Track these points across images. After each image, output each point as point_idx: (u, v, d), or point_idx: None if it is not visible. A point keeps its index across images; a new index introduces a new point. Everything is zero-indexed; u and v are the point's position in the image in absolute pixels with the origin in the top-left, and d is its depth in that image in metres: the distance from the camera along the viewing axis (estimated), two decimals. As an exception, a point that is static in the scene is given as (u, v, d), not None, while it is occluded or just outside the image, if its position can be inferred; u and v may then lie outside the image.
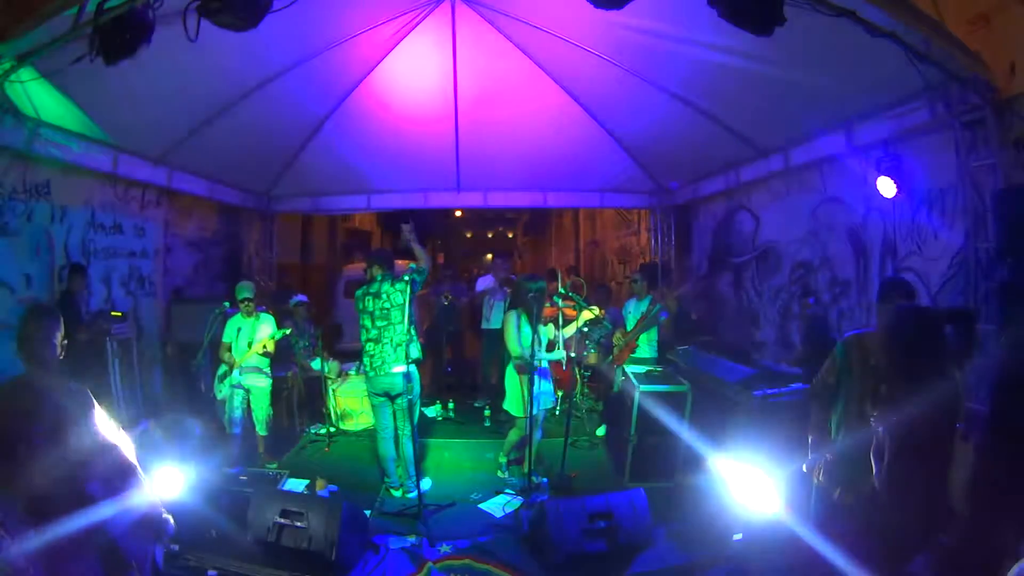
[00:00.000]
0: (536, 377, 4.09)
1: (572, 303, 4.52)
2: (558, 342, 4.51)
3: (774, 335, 6.05)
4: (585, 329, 4.59)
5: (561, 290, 4.39)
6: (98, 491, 2.01)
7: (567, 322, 4.48)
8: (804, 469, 2.97)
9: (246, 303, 4.71)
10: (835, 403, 2.80)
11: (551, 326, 4.40)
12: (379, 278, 4.21)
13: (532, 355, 4.04)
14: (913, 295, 2.92)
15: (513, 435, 4.50)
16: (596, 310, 4.53)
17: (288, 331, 4.91)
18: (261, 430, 4.83)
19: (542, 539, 3.36)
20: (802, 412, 4.27)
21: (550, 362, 4.53)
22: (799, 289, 5.39)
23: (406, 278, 4.07)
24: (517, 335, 4.22)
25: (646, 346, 5.51)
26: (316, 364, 5.84)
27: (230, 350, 4.73)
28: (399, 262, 4.35)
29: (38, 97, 3.87)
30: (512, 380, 4.40)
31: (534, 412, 4.18)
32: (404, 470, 4.29)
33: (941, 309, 2.54)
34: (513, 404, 4.38)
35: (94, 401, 2.14)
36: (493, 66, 5.27)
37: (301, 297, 6.08)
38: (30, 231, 4.53)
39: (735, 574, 3.37)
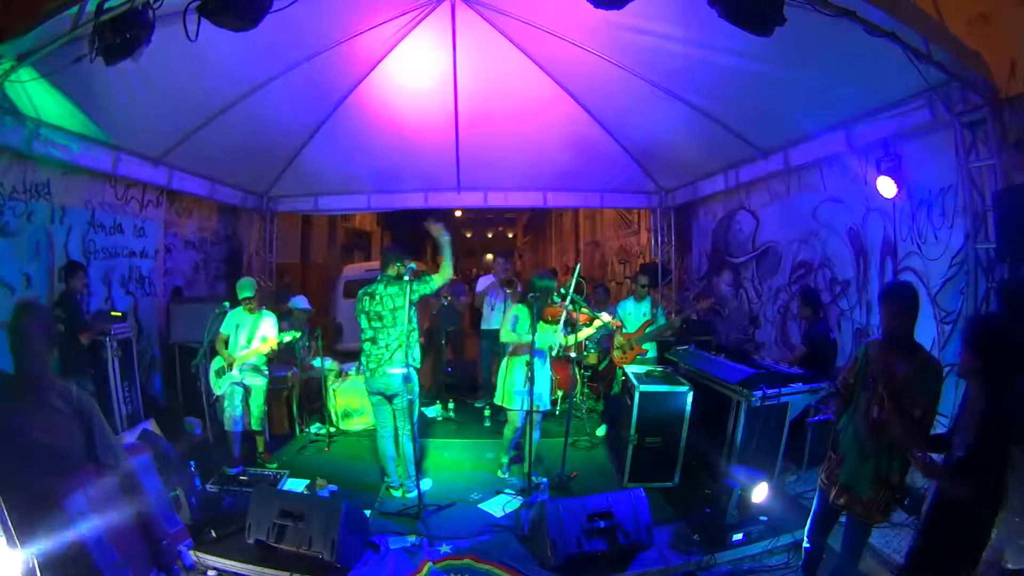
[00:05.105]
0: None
1: (574, 304, 4.51)
2: (562, 343, 4.51)
3: (774, 335, 6.05)
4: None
5: (562, 291, 4.37)
6: (79, 504, 1.94)
7: (569, 323, 4.47)
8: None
9: (247, 302, 4.70)
10: (853, 401, 2.77)
11: (558, 327, 4.41)
12: (379, 278, 4.20)
13: (532, 353, 4.05)
14: None
15: (508, 432, 4.50)
16: (606, 317, 4.55)
17: (297, 335, 4.89)
18: (256, 426, 4.81)
19: (542, 539, 3.36)
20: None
21: (550, 361, 4.54)
22: (799, 289, 5.39)
23: (406, 278, 4.03)
24: (512, 324, 4.27)
25: (647, 346, 5.52)
26: (316, 362, 5.85)
27: (227, 343, 4.71)
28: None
29: (38, 97, 3.86)
30: (502, 374, 4.42)
31: (527, 409, 4.20)
32: (404, 470, 4.28)
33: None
34: (503, 397, 4.40)
35: (95, 408, 2.06)
36: (493, 66, 5.27)
37: (304, 303, 6.05)
38: (30, 231, 4.53)
39: (735, 574, 3.37)
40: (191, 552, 3.34)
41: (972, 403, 2.21)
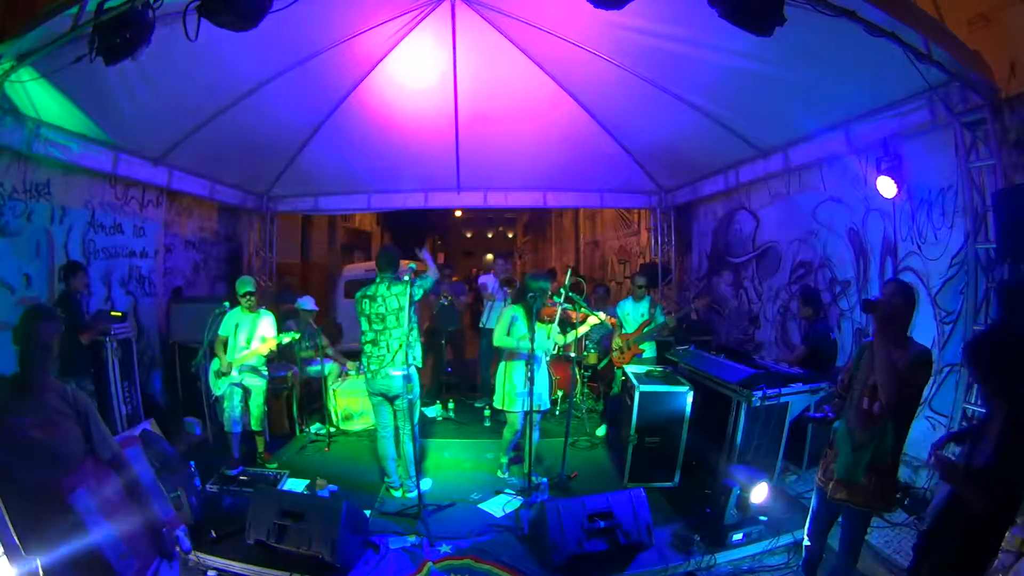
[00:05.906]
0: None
1: (572, 303, 4.52)
2: (560, 343, 4.50)
3: (774, 335, 6.05)
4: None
5: (561, 290, 4.37)
6: (84, 500, 1.97)
7: (566, 322, 4.47)
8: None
9: (248, 297, 4.70)
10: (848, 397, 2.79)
11: (555, 327, 4.40)
12: (378, 280, 4.20)
13: (532, 353, 4.04)
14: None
15: (507, 433, 4.50)
16: (602, 315, 4.54)
17: (296, 336, 4.89)
18: (256, 426, 4.81)
19: (542, 539, 3.36)
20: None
21: (550, 362, 4.54)
22: (799, 289, 5.39)
23: (405, 279, 4.04)
24: (507, 328, 4.27)
25: (646, 346, 5.52)
26: (313, 370, 5.86)
27: (226, 345, 4.71)
28: (403, 262, 4.30)
29: (38, 97, 3.87)
30: (500, 377, 4.41)
31: (527, 410, 4.19)
32: (404, 470, 4.28)
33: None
34: (502, 399, 4.40)
35: (91, 406, 2.10)
36: (493, 66, 5.26)
37: (311, 304, 6.05)
38: (30, 231, 4.53)
39: (735, 574, 3.37)
40: (191, 553, 3.34)
41: (990, 416, 2.19)
